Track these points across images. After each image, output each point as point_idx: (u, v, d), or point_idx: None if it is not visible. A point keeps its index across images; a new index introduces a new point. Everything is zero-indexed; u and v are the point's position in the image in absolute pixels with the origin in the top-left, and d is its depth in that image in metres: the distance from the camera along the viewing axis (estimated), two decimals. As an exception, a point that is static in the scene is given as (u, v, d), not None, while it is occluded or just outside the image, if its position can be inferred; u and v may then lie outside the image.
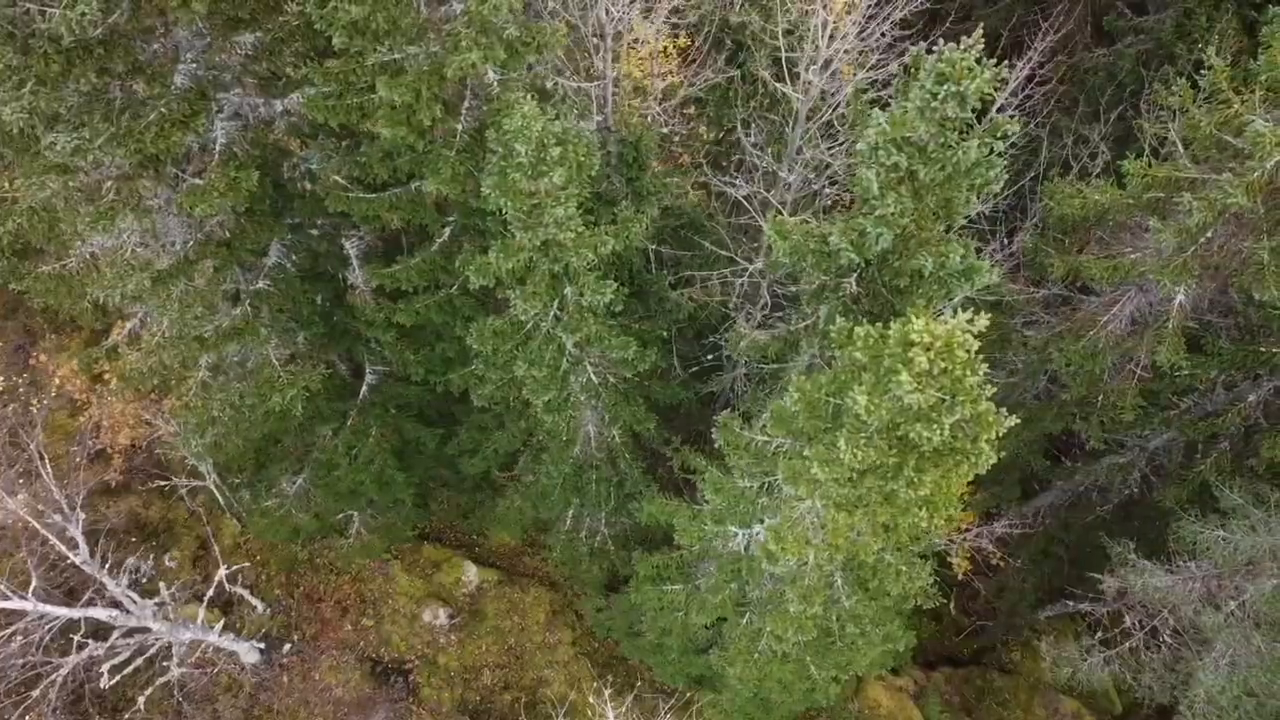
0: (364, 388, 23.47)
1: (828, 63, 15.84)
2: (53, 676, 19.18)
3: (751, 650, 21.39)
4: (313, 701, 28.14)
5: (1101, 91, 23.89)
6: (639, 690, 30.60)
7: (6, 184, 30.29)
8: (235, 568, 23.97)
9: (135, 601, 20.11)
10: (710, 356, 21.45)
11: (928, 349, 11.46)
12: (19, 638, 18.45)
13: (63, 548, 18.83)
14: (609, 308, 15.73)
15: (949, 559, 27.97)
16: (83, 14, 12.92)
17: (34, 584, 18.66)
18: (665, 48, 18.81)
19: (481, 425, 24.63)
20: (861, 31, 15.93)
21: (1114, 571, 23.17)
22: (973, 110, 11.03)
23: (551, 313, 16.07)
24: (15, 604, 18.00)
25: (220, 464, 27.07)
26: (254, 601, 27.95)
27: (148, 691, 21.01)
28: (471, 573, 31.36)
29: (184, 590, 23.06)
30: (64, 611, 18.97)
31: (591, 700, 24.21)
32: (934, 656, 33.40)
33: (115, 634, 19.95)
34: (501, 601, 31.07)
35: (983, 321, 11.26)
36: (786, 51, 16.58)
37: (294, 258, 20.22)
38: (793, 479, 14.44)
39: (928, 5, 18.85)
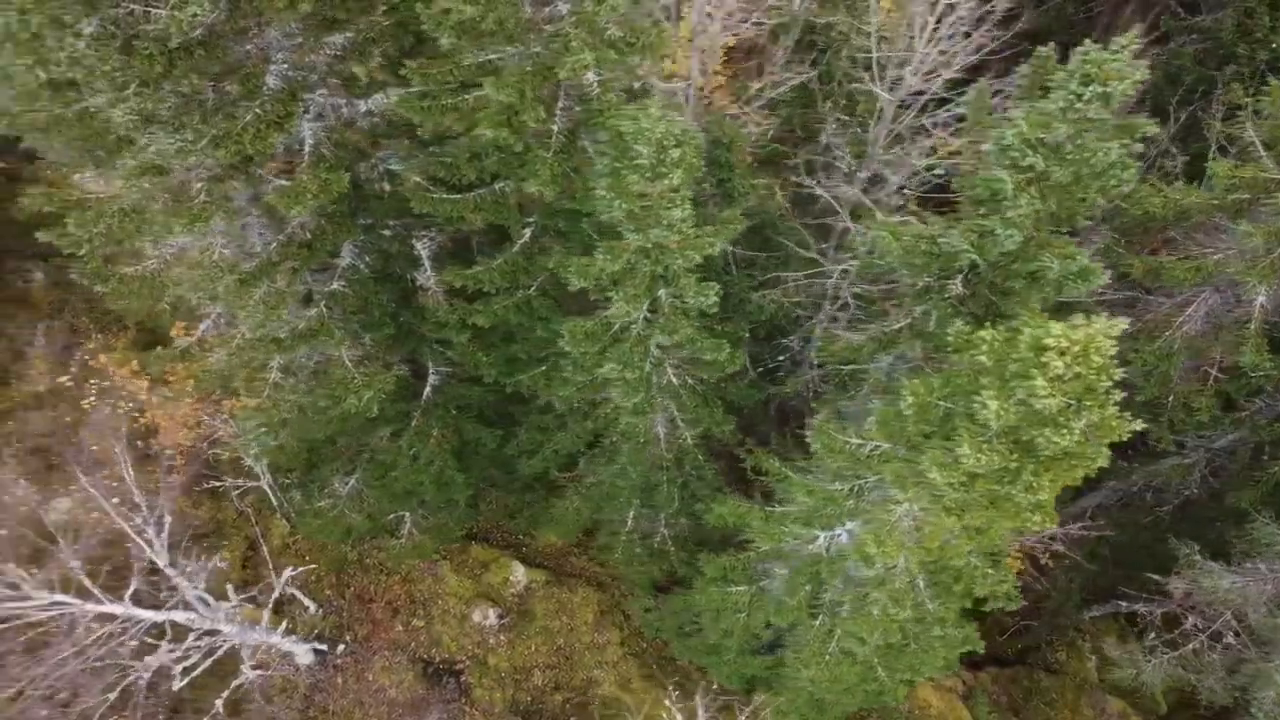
0: (427, 389, 23.35)
1: (921, 62, 15.72)
2: (132, 678, 19.09)
3: (822, 652, 21.34)
4: (367, 702, 28.06)
5: (1171, 90, 23.77)
6: (690, 690, 30.63)
7: (92, 185, 30.29)
8: (300, 569, 23.84)
9: (209, 604, 20.02)
10: (780, 357, 21.33)
11: (1063, 353, 11.36)
12: (112, 640, 18.34)
13: (149, 550, 18.75)
14: (704, 310, 15.61)
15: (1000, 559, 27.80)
16: (194, 14, 12.81)
17: (134, 586, 18.59)
18: (731, 46, 18.60)
19: (542, 426, 24.51)
20: (952, 33, 15.80)
21: (1181, 573, 23.09)
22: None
23: (642, 315, 15.96)
24: (109, 607, 17.91)
25: (272, 465, 27.00)
26: (306, 602, 27.85)
27: (224, 694, 20.92)
28: (519, 573, 31.25)
29: (250, 593, 22.93)
30: (151, 615, 18.89)
31: (667, 703, 24.04)
32: (980, 656, 33.26)
33: (191, 636, 19.86)
34: (550, 602, 30.95)
35: (1121, 325, 11.16)
36: (875, 51, 16.44)
37: (366, 259, 20.11)
38: (899, 482, 14.34)
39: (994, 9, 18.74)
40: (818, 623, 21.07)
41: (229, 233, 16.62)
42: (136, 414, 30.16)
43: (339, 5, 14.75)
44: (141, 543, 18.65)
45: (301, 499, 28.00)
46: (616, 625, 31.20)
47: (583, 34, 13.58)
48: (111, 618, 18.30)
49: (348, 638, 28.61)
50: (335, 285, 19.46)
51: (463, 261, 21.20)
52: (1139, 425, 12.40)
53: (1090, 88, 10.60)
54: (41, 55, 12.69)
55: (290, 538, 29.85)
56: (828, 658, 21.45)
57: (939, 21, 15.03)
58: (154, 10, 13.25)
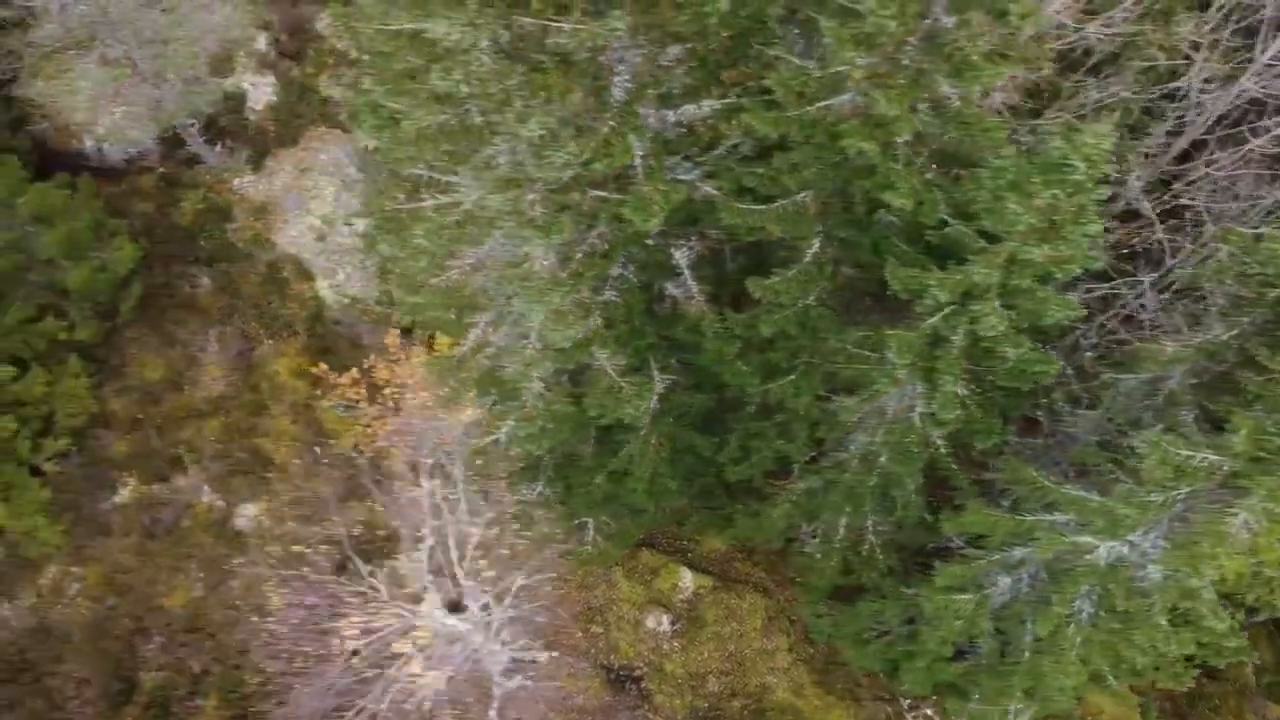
0: (654, 397, 23.31)
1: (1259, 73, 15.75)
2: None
3: (1067, 661, 21.42)
4: (557, 709, 28.05)
5: None
6: (860, 698, 30.78)
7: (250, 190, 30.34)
8: (534, 577, 23.86)
9: (477, 612, 20.08)
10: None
11: None
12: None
13: (455, 562, 18.82)
14: (1042, 326, 15.66)
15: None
16: (614, 29, 12.78)
17: (470, 604, 18.63)
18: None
19: (757, 433, 24.55)
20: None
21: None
22: None
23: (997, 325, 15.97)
24: (452, 620, 17.96)
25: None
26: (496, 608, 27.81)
27: (495, 706, 20.96)
28: (687, 579, 31.27)
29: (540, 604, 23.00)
30: (462, 625, 18.91)
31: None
32: (1139, 661, 33.31)
33: (458, 644, 19.92)
34: (718, 608, 30.97)
35: None
36: (1200, 61, 16.44)
37: (630, 268, 20.10)
38: (1273, 495, 14.38)
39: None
40: (1070, 631, 21.12)
41: (549, 246, 16.59)
42: (294, 419, 30.31)
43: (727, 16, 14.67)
44: (453, 554, 18.67)
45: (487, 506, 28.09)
46: (784, 631, 31.22)
47: (974, 46, 13.57)
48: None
49: (537, 644, 28.58)
50: (608, 295, 19.45)
51: (715, 270, 21.31)
52: None
53: None
54: (464, 69, 12.66)
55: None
56: (1070, 666, 21.54)
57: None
58: (556, 25, 13.23)
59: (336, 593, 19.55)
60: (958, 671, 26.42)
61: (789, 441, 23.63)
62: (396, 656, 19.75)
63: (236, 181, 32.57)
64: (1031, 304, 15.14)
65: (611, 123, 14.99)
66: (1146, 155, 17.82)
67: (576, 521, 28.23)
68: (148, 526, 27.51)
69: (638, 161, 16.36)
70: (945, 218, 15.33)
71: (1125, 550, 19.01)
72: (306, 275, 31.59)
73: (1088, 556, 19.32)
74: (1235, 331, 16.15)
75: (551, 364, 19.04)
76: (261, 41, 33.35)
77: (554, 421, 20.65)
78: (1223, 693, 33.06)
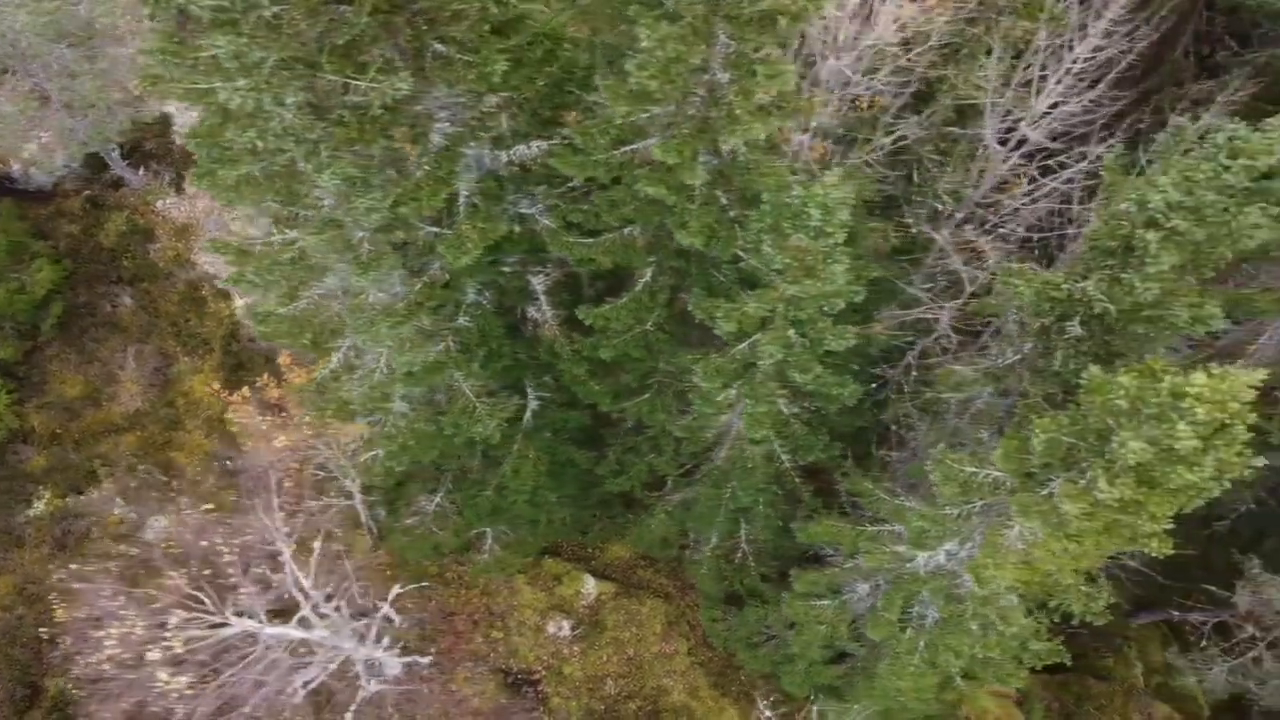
0: (527, 414, 24.52)
1: (1036, 116, 17.00)
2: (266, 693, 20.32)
3: (909, 664, 22.61)
4: (452, 712, 29.22)
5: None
6: (754, 699, 31.97)
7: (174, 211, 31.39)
8: (408, 586, 25.03)
9: (337, 620, 21.21)
10: (872, 385, 22.57)
11: (1202, 400, 12.61)
12: (259, 665, 19.53)
13: (299, 575, 19.98)
14: (832, 349, 16.87)
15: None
16: (399, 88, 14.00)
17: (302, 613, 19.78)
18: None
19: (631, 448, 25.78)
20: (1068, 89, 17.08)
21: (1246, 585, 24.39)
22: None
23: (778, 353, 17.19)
24: (287, 631, 19.11)
25: (364, 484, 28.19)
26: (393, 615, 28.93)
27: (354, 706, 22.12)
28: (590, 585, 32.48)
29: (383, 610, 24.10)
30: (298, 633, 20.08)
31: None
32: (1029, 663, 34.53)
33: (321, 652, 21.06)
34: (619, 613, 32.18)
35: (1261, 374, 12.41)
36: (989, 101, 17.68)
37: (486, 295, 21.30)
38: (1024, 510, 15.59)
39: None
40: (907, 636, 22.33)
41: (383, 278, 17.77)
42: (208, 433, 31.46)
43: (512, 73, 15.90)
44: (328, 567, 19.87)
45: (389, 517, 29.29)
46: (683, 635, 32.43)
47: (743, 101, 14.80)
48: (253, 637, 19.52)
49: (432, 650, 29.77)
50: (461, 321, 20.64)
51: (572, 295, 22.51)
52: (1260, 461, 13.66)
53: (1238, 161, 11.89)
54: (259, 127, 13.88)
55: (372, 554, 31.01)
56: (912, 669, 22.72)
57: (1056, 79, 16.36)
58: (354, 82, 14.44)
59: (198, 601, 20.69)
60: (836, 674, 27.66)
61: (659, 456, 24.88)
62: (271, 662, 20.82)
63: (160, 203, 33.75)
64: (814, 333, 16.36)
65: (427, 166, 16.20)
66: (951, 192, 19.06)
67: (475, 532, 29.49)
68: (59, 538, 28.61)
69: (461, 200, 17.58)
70: (738, 253, 16.56)
71: (942, 560, 20.25)
72: (224, 294, 32.76)
73: (909, 565, 20.55)
74: (1019, 357, 17.39)
75: (402, 387, 20.14)
76: (185, 68, 34.53)
77: (415, 440, 21.83)
78: (1110, 692, 34.29)
